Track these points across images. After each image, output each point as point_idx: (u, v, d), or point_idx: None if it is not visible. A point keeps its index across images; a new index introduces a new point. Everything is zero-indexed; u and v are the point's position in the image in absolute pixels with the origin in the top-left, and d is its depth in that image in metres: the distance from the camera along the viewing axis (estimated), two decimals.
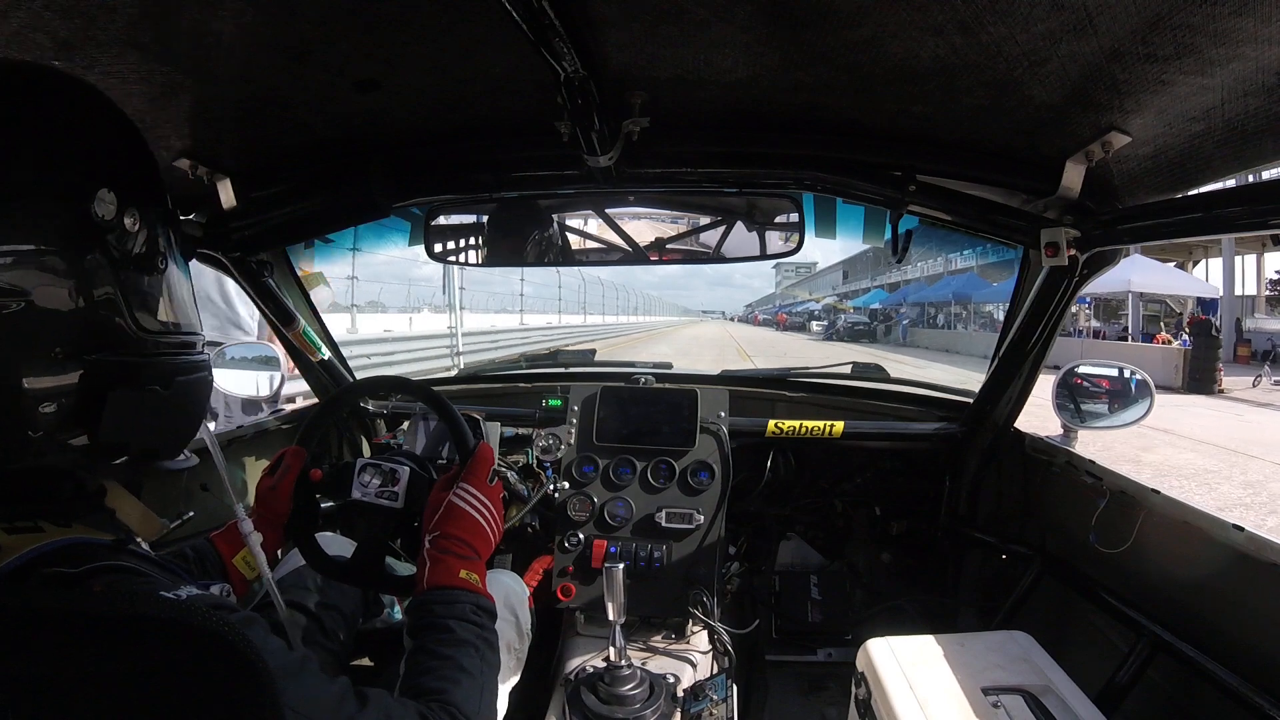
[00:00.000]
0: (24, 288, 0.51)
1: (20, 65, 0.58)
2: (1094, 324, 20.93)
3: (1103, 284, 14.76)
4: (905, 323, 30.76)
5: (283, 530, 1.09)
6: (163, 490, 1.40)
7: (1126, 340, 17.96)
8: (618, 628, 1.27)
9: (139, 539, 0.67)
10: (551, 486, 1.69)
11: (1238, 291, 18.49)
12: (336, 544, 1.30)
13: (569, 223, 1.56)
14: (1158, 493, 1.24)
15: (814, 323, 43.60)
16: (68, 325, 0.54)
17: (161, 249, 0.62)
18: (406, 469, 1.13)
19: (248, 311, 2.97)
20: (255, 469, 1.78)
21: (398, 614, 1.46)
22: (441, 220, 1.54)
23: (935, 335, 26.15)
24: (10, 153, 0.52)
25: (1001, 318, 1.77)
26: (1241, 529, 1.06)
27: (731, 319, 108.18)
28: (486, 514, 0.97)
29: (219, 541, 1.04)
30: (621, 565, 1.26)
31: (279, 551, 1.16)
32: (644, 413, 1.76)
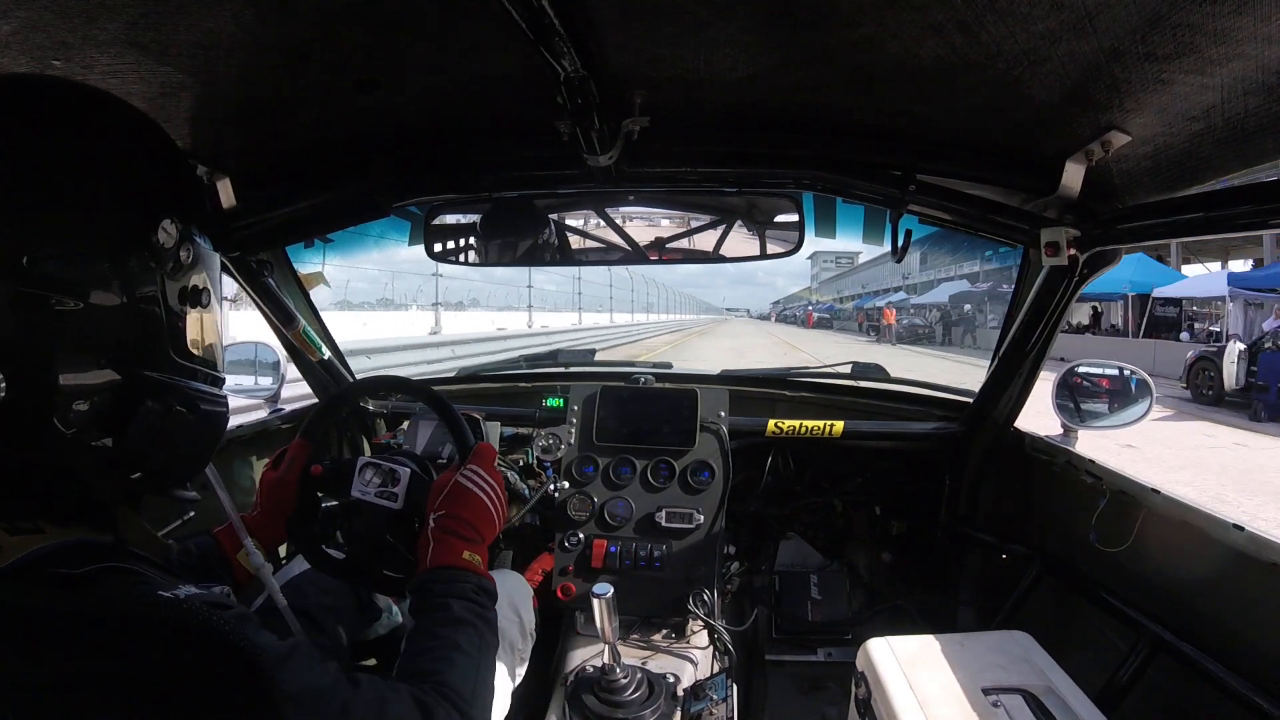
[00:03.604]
0: (86, 290, 0.55)
1: (109, 96, 0.63)
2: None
3: None
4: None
5: (284, 524, 1.09)
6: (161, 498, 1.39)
7: None
8: (611, 646, 1.25)
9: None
10: (552, 486, 1.69)
11: None
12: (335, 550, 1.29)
13: (569, 222, 1.56)
14: (1158, 492, 1.24)
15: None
16: (115, 335, 0.58)
17: (206, 288, 0.67)
18: (407, 470, 1.12)
19: None
20: (258, 468, 1.78)
21: (397, 616, 1.45)
22: (441, 220, 1.54)
23: None
24: (97, 167, 0.58)
25: None
26: (1241, 528, 1.06)
27: (766, 317, 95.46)
28: (493, 496, 0.96)
29: (222, 537, 1.04)
30: (609, 592, 1.16)
31: (281, 547, 1.15)
32: (644, 412, 1.76)
